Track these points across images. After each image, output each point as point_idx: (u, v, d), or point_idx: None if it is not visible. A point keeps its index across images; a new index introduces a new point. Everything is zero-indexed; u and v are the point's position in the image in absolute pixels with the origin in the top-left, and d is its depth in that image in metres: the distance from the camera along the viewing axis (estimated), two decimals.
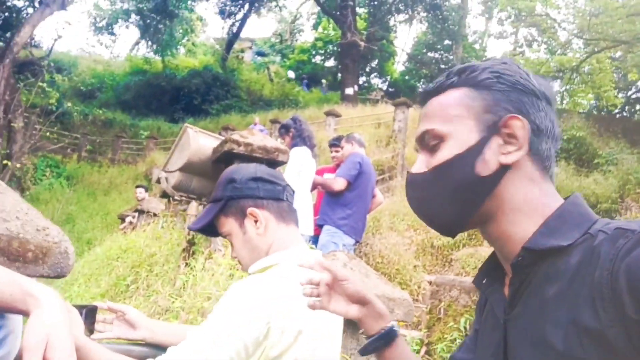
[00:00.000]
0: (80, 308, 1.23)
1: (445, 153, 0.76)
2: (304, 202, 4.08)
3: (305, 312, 1.10)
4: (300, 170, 4.05)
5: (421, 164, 0.80)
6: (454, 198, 0.76)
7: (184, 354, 1.06)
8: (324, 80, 29.30)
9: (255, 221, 1.28)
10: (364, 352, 0.92)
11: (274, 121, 16.28)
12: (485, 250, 6.01)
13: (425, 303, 4.37)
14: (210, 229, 1.35)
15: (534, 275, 0.71)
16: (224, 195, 1.30)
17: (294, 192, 1.40)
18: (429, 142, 0.79)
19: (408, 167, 11.65)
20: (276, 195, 1.31)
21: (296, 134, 4.27)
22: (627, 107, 23.03)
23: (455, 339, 3.36)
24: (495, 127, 0.75)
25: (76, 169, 19.15)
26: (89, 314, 1.25)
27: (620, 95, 21.45)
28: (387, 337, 0.91)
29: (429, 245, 7.32)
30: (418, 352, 3.64)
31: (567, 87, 18.12)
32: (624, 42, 12.47)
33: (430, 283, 4.70)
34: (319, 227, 4.28)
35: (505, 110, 0.75)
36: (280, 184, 1.34)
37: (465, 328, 3.37)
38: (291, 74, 29.35)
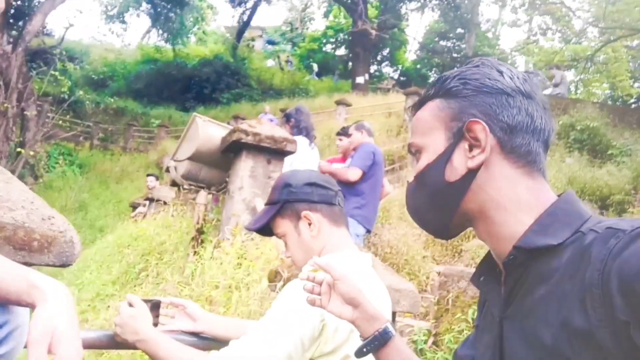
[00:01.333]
0: (146, 302, 1.32)
1: (421, 163, 0.82)
2: None
3: None
4: (292, 161, 4.05)
5: (412, 174, 0.86)
6: (431, 205, 0.82)
7: (246, 348, 1.13)
8: (314, 65, 28.81)
9: (309, 224, 1.36)
10: (358, 354, 0.93)
11: (284, 110, 16.24)
12: None
13: (434, 294, 4.37)
14: (265, 229, 1.43)
15: (527, 273, 0.71)
16: (281, 198, 1.39)
17: (345, 195, 1.50)
18: (413, 154, 0.85)
19: None
20: (329, 200, 1.39)
21: (294, 124, 4.31)
22: None
23: (462, 330, 3.35)
24: (461, 133, 0.78)
25: (88, 157, 19.31)
26: (153, 308, 1.32)
27: (636, 85, 21.10)
28: (381, 340, 0.91)
29: None
30: (426, 342, 3.65)
31: (582, 76, 17.85)
32: (639, 30, 12.22)
33: (438, 274, 4.69)
34: None
35: (470, 115, 0.77)
36: (332, 189, 1.41)
37: (472, 319, 3.36)
38: (270, 62, 29.04)
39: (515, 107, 0.76)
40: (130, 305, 1.28)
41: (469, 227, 0.82)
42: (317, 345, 1.15)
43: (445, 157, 0.79)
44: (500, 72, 0.79)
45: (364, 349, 0.92)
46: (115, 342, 1.25)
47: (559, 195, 0.76)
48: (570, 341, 0.61)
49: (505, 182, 0.76)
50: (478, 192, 0.76)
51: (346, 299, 0.92)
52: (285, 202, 1.37)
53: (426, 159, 0.81)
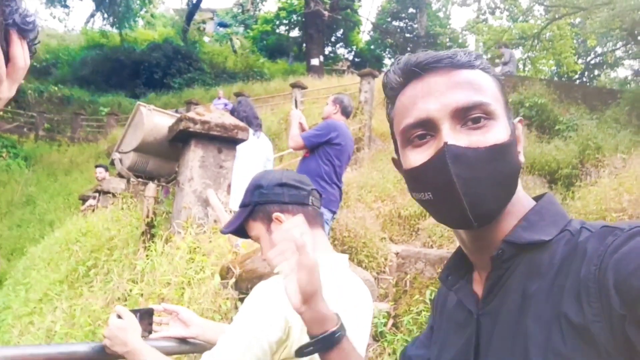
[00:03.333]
0: (135, 312, 1.35)
1: (499, 134, 0.70)
2: (245, 182, 4.04)
3: None
4: (236, 152, 3.94)
5: (457, 137, 0.70)
6: (504, 184, 0.71)
7: (217, 357, 1.14)
8: (236, 41, 27.65)
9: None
10: (298, 353, 0.87)
11: (238, 94, 15.91)
12: None
13: (392, 275, 4.40)
14: (241, 232, 1.43)
15: (512, 269, 0.70)
16: (252, 200, 1.38)
17: (321, 195, 1.45)
18: (472, 114, 0.70)
19: (375, 138, 11.63)
20: (301, 200, 1.36)
21: (236, 117, 4.17)
22: (586, 73, 23.54)
23: (421, 312, 3.38)
24: (512, 124, 0.75)
25: (34, 148, 18.44)
26: (144, 316, 1.37)
27: (580, 61, 21.90)
28: (326, 342, 0.84)
29: (396, 216, 7.38)
30: (385, 324, 3.67)
31: (529, 54, 18.34)
32: (582, 8, 12.61)
33: (396, 255, 4.72)
34: None
35: (510, 110, 0.75)
36: (305, 189, 1.38)
37: (430, 300, 3.40)
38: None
39: None
40: (119, 316, 1.31)
41: (497, 218, 0.73)
42: (285, 347, 1.14)
43: (515, 140, 0.73)
44: None
45: (305, 349, 0.85)
46: (105, 355, 1.28)
47: (536, 197, 0.77)
48: (564, 336, 0.60)
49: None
50: None
51: (302, 289, 0.84)
52: (256, 204, 1.36)
53: (503, 131, 0.71)
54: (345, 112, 4.20)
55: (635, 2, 10.22)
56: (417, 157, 0.73)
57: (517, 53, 18.78)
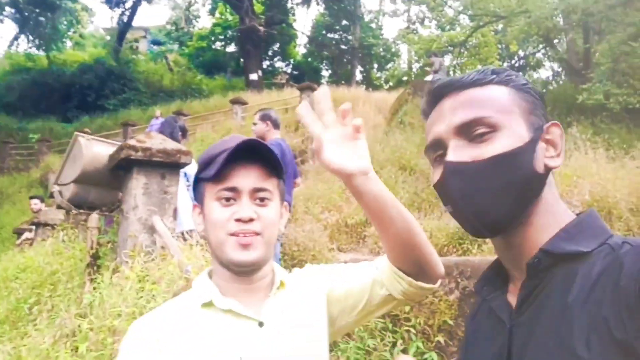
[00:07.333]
0: None
1: (503, 144, 0.73)
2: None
3: None
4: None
5: (462, 152, 0.75)
6: (510, 192, 0.72)
7: None
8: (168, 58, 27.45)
9: None
10: None
11: (177, 113, 15.69)
12: None
13: None
14: None
15: (548, 280, 0.71)
16: None
17: None
18: (476, 130, 0.74)
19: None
20: None
21: (169, 134, 4.18)
22: None
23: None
24: (540, 130, 0.76)
25: None
26: None
27: (504, 64, 23.19)
28: None
29: (343, 225, 7.52)
30: None
31: (457, 61, 19.23)
32: (502, 16, 13.41)
33: (345, 263, 4.85)
34: None
35: (543, 116, 0.78)
36: None
37: None
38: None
39: None
40: None
41: (511, 229, 0.75)
42: None
43: (532, 147, 0.74)
44: None
45: None
46: None
47: (579, 213, 0.79)
48: (607, 349, 0.60)
49: (553, 189, 0.77)
50: (543, 193, 0.75)
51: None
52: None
53: (511, 140, 0.73)
54: (276, 125, 4.25)
55: (547, 11, 11.01)
56: (436, 174, 0.79)
57: (447, 60, 19.69)
